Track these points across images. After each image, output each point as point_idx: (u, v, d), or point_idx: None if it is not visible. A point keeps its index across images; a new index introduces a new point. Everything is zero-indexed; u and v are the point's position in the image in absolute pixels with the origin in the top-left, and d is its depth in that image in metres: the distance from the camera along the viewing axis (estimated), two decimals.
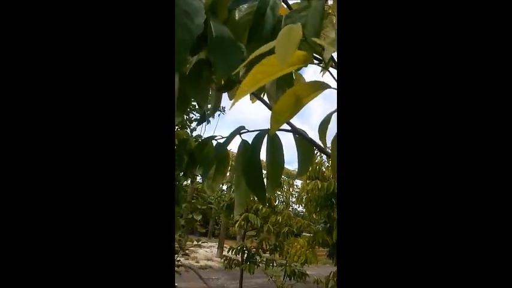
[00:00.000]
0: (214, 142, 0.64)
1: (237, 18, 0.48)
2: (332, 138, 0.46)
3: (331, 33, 0.43)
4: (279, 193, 4.46)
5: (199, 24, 0.36)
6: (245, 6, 0.46)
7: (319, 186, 3.27)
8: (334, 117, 0.41)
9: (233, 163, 0.62)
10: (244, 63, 0.35)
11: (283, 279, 3.81)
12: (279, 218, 3.82)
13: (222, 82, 0.56)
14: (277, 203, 4.49)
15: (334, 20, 0.44)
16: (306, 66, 0.40)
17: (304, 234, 4.64)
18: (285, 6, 0.49)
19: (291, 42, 0.30)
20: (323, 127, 0.42)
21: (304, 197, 3.64)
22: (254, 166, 0.53)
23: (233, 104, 0.34)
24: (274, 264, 3.95)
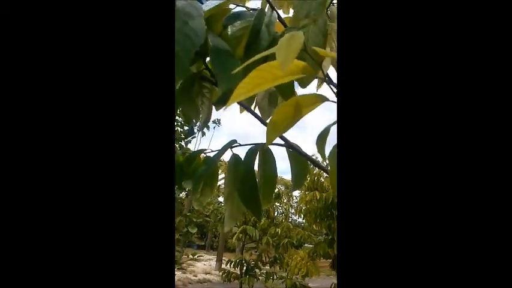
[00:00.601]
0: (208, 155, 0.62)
1: (229, 33, 0.48)
2: (331, 150, 0.44)
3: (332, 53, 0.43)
4: (278, 204, 4.43)
5: (201, 34, 0.35)
6: (238, 22, 0.46)
7: (318, 197, 3.23)
8: (333, 129, 0.40)
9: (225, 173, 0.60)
10: (239, 69, 0.34)
11: None
12: (278, 229, 3.77)
13: (214, 97, 0.55)
14: (276, 214, 4.45)
15: (334, 40, 0.44)
16: (309, 81, 0.39)
17: (306, 245, 4.59)
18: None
19: (292, 48, 0.29)
20: (321, 140, 0.40)
21: (303, 208, 3.60)
22: (249, 182, 0.51)
23: (228, 105, 0.33)
24: (275, 277, 3.88)
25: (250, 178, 0.53)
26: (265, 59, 0.32)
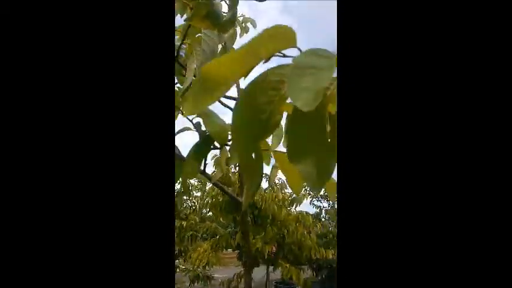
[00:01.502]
0: None
1: None
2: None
3: (192, 65, 0.52)
4: (186, 198, 4.45)
5: None
6: None
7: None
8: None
9: None
10: None
11: (189, 284, 3.80)
12: (184, 223, 3.81)
13: None
14: (185, 206, 4.46)
15: (195, 53, 0.53)
16: None
17: (217, 237, 4.71)
18: None
19: None
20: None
21: (209, 202, 3.70)
22: None
23: None
24: (177, 270, 3.91)
25: None
26: None
